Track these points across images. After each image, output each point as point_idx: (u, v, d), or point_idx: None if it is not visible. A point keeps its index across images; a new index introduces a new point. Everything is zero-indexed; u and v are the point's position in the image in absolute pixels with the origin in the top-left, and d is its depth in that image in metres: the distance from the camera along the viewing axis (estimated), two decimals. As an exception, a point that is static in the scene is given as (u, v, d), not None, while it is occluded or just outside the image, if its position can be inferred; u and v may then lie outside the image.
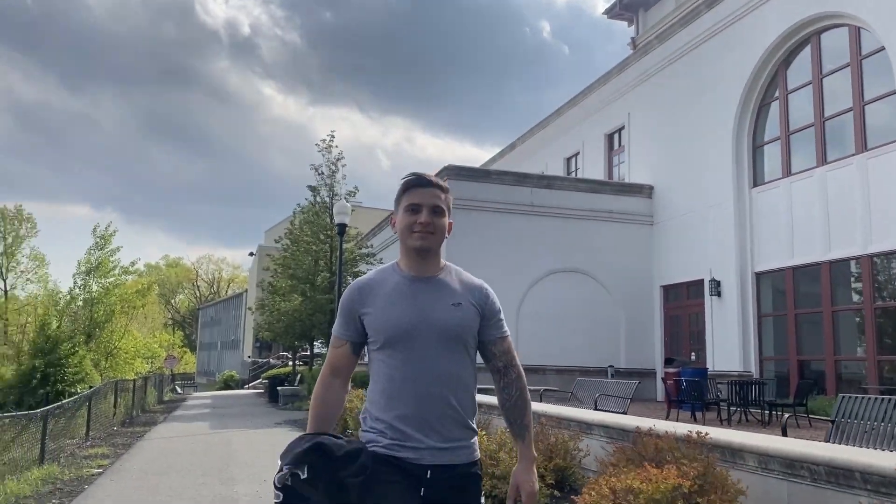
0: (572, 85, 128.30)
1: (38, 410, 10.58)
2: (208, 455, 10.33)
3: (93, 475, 8.77)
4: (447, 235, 2.29)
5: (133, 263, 32.50)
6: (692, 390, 12.84)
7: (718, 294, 16.74)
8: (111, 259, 29.96)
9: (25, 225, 57.31)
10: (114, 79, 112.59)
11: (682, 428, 4.94)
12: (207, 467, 9.05)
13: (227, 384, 39.14)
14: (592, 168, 22.88)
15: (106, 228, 30.29)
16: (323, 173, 20.90)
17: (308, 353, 25.63)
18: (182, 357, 59.30)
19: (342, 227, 15.86)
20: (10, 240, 55.93)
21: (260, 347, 44.76)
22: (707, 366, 16.51)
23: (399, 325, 2.15)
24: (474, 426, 2.22)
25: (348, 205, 16.31)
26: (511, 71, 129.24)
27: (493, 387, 2.33)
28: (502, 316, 2.34)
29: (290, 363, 28.22)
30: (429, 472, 2.08)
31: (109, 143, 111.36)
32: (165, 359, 35.05)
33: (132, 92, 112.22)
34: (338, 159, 21.01)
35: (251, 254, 53.31)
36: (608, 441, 5.75)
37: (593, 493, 3.95)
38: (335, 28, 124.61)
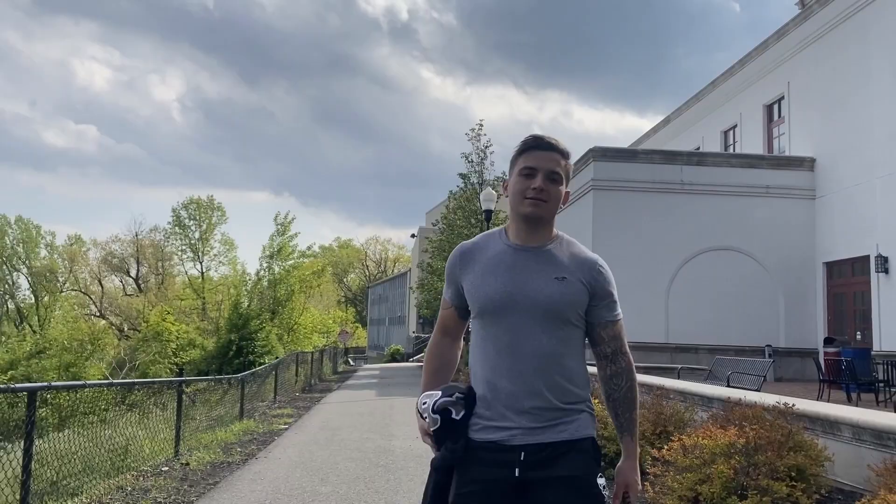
0: (743, 47, 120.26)
1: (239, 375, 12.77)
2: (373, 416, 11.96)
3: (281, 429, 10.63)
4: (562, 206, 2.17)
5: (309, 247, 36.13)
6: (847, 370, 12.62)
7: (885, 271, 15.96)
8: (290, 244, 33.44)
9: (216, 213, 64.36)
10: (286, 72, 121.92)
11: (770, 399, 5.53)
12: (371, 425, 10.62)
13: (394, 357, 42.14)
14: (751, 141, 22.21)
15: (285, 216, 33.85)
16: (472, 161, 22.17)
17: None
18: (354, 332, 64.16)
19: (488, 214, 17.02)
20: (204, 227, 63.14)
21: (423, 323, 47.46)
22: (873, 346, 15.86)
23: (493, 296, 2.07)
24: (580, 404, 2.09)
25: (494, 192, 17.42)
26: (674, 33, 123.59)
27: (597, 374, 2.21)
28: (616, 297, 2.17)
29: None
30: (522, 453, 2.00)
31: (284, 132, 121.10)
32: (339, 334, 38.50)
33: (302, 83, 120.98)
34: (486, 146, 22.19)
35: (413, 235, 56.34)
36: (706, 410, 6.40)
37: (674, 446, 4.74)
38: (489, 5, 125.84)
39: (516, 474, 1.99)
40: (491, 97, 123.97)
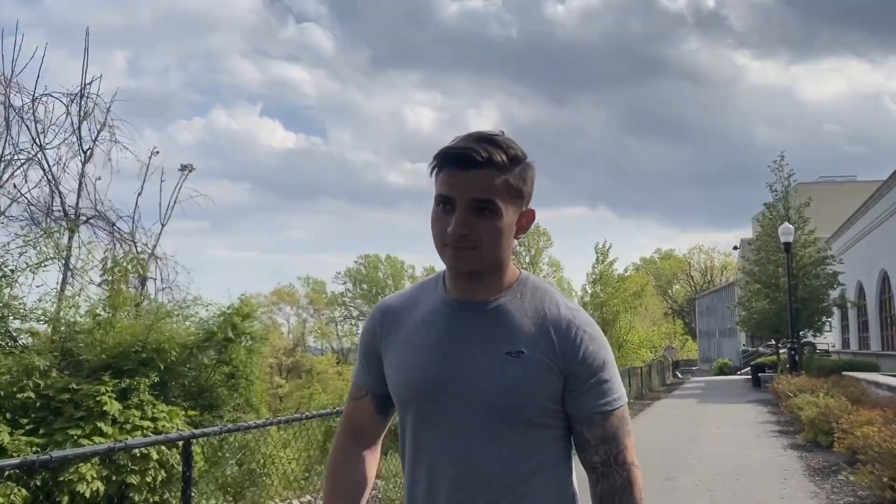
0: None
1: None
2: (687, 415, 16.88)
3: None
4: (517, 238, 1.47)
5: (626, 270, 41.48)
6: None
7: None
8: (609, 269, 39.17)
9: (542, 238, 72.64)
10: (591, 85, 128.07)
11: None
12: (687, 420, 15.59)
13: (722, 370, 45.00)
14: None
15: (603, 245, 39.67)
16: (776, 191, 25.33)
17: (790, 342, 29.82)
18: (683, 345, 67.16)
19: (787, 246, 20.50)
20: (533, 251, 71.84)
21: (752, 337, 49.19)
22: None
23: (415, 380, 1.44)
24: None
25: (791, 227, 20.80)
26: None
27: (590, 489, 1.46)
28: (607, 375, 1.43)
29: (774, 351, 32.65)
30: None
31: (595, 145, 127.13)
32: (665, 349, 42.91)
33: (608, 94, 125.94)
34: (789, 175, 25.18)
35: (735, 248, 57.93)
36: None
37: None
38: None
39: None
40: (822, 72, 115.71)
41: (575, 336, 1.41)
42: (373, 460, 1.61)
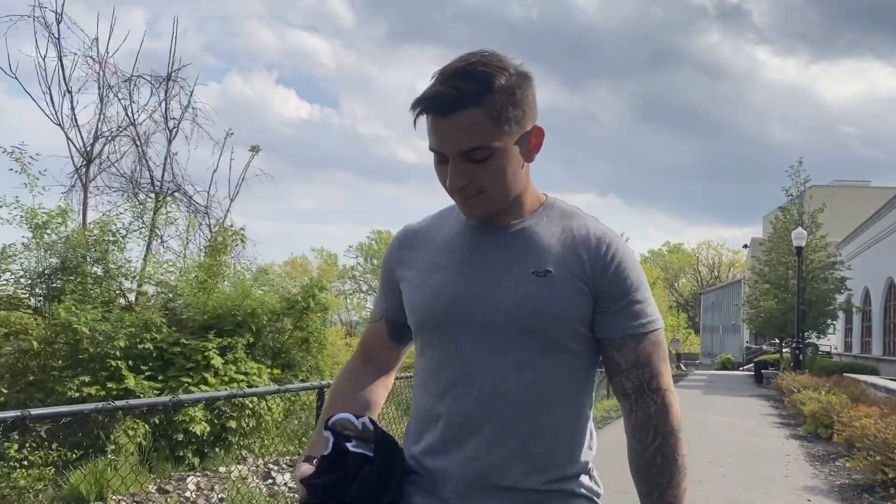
0: None
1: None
2: (695, 404, 18.02)
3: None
4: (529, 161, 1.39)
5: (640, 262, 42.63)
6: None
7: None
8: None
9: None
10: (607, 72, 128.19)
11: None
12: (693, 407, 16.73)
13: (724, 366, 46.21)
14: None
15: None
16: (792, 195, 26.27)
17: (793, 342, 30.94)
18: (686, 339, 68.35)
19: (798, 250, 21.49)
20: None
21: (756, 334, 50.30)
22: None
23: (434, 303, 1.37)
24: (570, 483, 1.36)
25: (804, 231, 21.78)
26: None
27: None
28: (640, 297, 1.36)
29: (778, 350, 33.78)
30: None
31: (608, 133, 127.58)
32: (670, 342, 44.10)
33: (624, 81, 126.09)
34: (805, 181, 26.10)
35: (745, 246, 58.85)
36: None
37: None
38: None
39: None
40: (842, 73, 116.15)
41: (605, 253, 1.34)
42: (381, 387, 1.55)
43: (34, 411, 3.39)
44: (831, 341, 32.99)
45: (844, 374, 18.18)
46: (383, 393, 1.56)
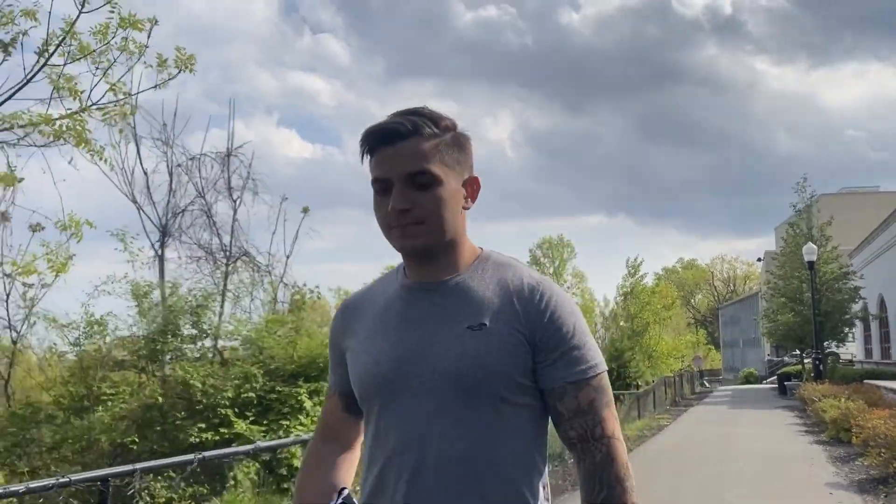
0: None
1: (637, 392, 20.83)
2: (722, 418, 19.13)
3: (664, 425, 18.37)
4: (466, 208, 1.44)
5: (657, 284, 43.65)
6: None
7: None
8: (640, 283, 41.39)
9: (566, 249, 74.74)
10: (607, 93, 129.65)
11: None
12: (721, 422, 17.85)
13: (747, 380, 47.07)
14: None
15: (635, 260, 41.97)
16: (799, 210, 27.46)
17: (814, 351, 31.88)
18: (707, 355, 69.05)
19: (810, 265, 22.63)
20: (557, 263, 73.96)
21: (777, 347, 51.08)
22: None
23: (373, 370, 1.41)
24: None
25: (814, 247, 22.94)
26: None
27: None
28: (578, 341, 1.38)
29: (799, 361, 34.69)
30: None
31: (613, 153, 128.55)
32: (693, 359, 45.07)
33: (625, 101, 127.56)
34: (811, 196, 27.31)
35: (759, 259, 59.87)
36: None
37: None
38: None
39: None
40: (844, 77, 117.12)
41: (539, 301, 1.35)
42: (347, 462, 1.55)
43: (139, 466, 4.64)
44: (851, 349, 33.84)
45: (864, 381, 19.22)
46: (350, 468, 1.57)
